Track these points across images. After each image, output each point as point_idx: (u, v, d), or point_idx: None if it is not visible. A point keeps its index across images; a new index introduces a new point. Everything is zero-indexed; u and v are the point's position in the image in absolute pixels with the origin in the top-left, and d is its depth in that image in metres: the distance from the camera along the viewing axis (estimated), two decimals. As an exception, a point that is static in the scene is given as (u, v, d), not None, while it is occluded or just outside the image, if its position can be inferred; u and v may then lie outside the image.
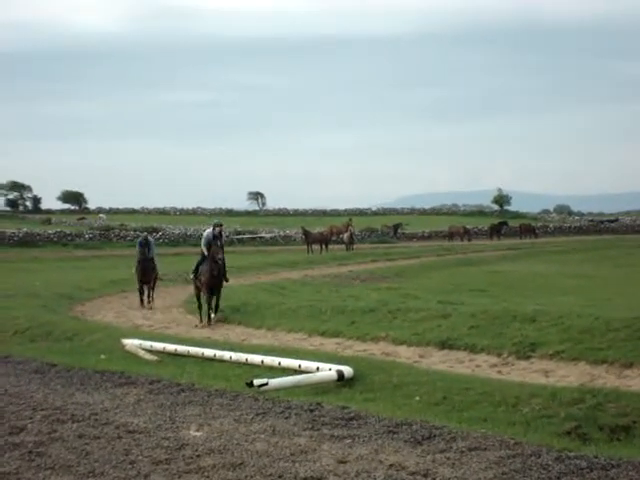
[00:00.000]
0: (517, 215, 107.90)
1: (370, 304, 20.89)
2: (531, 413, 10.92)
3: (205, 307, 22.93)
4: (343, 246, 60.87)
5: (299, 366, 14.10)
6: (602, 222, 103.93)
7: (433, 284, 29.37)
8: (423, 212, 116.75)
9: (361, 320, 19.42)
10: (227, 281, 23.58)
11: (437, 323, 17.92)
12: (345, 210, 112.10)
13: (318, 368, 13.74)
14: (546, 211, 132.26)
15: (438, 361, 15.63)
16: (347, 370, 13.43)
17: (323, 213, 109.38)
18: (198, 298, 23.47)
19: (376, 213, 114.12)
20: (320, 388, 13.03)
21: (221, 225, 24.10)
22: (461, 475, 7.92)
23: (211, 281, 22.95)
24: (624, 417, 10.37)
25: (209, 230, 23.85)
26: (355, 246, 61.28)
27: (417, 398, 12.20)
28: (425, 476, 7.91)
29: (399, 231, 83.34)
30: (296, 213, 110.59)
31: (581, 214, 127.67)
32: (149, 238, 29.65)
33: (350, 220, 66.60)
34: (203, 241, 23.74)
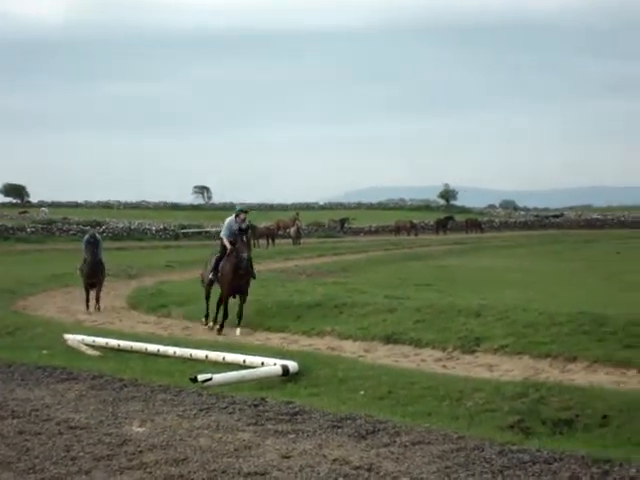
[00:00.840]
0: (463, 210, 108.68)
1: (316, 299, 20.84)
2: (475, 407, 10.96)
3: (219, 310, 20.16)
4: (290, 240, 60.85)
5: (244, 361, 14.04)
6: (547, 217, 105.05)
7: (379, 278, 29.42)
8: (370, 207, 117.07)
9: (307, 315, 19.39)
10: (254, 278, 20.49)
11: (383, 317, 17.92)
12: (292, 204, 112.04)
13: (263, 363, 13.70)
14: (492, 206, 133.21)
15: (383, 355, 15.64)
16: (292, 365, 13.40)
17: (270, 207, 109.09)
18: (207, 297, 20.88)
19: (323, 207, 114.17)
20: (265, 383, 13.00)
21: (246, 212, 20.81)
22: (405, 469, 7.92)
23: (235, 281, 19.85)
24: (567, 411, 10.44)
25: (231, 218, 20.61)
26: (302, 241, 61.28)
27: (362, 392, 12.20)
28: (369, 470, 7.91)
29: (346, 225, 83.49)
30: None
31: (527, 209, 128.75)
32: (97, 236, 26.89)
33: (297, 214, 66.55)
34: (224, 231, 20.71)
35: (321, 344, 17.05)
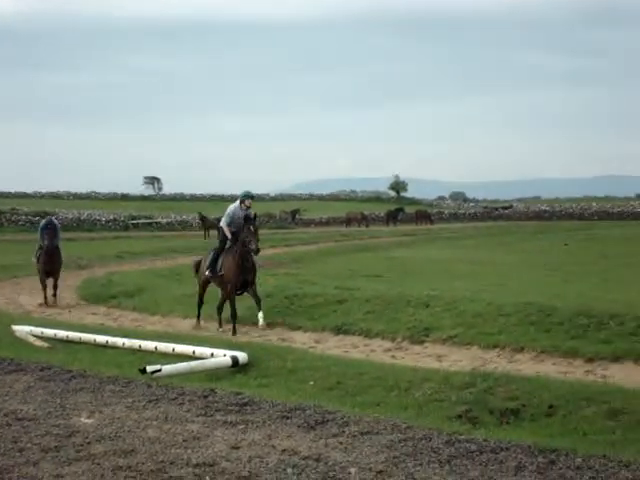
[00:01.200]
0: (413, 201, 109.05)
1: (267, 290, 20.76)
2: (423, 397, 11.04)
3: (220, 312, 18.37)
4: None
5: (193, 352, 14.04)
6: (496, 209, 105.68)
7: (330, 270, 29.42)
8: (321, 198, 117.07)
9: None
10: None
11: (333, 308, 17.97)
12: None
13: (212, 354, 13.70)
14: (442, 198, 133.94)
15: (333, 346, 15.70)
16: (242, 356, 13.41)
17: (220, 198, 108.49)
18: (201, 298, 18.84)
19: (274, 199, 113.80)
20: (214, 374, 12.99)
21: (252, 198, 18.62)
22: (353, 459, 7.97)
23: (241, 277, 17.81)
24: (514, 401, 10.54)
25: (235, 205, 18.28)
26: (253, 232, 61.04)
27: (311, 383, 12.24)
28: (317, 460, 7.95)
29: (297, 217, 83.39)
30: (193, 198, 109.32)
31: (476, 201, 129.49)
32: (55, 221, 25.25)
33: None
34: (226, 219, 18.26)
35: (272, 335, 17.06)
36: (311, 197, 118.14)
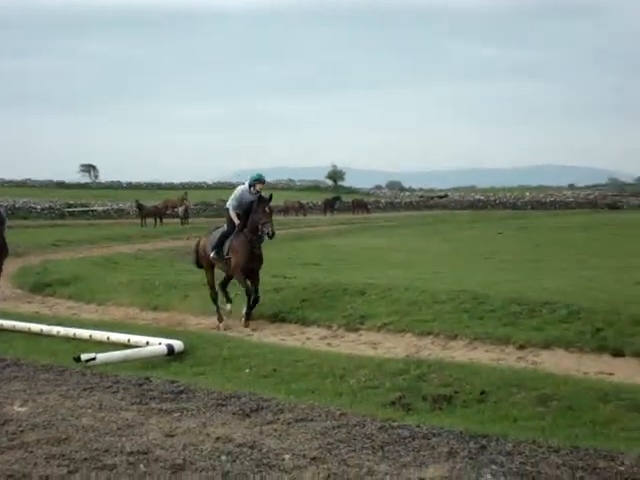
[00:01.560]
0: (350, 191, 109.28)
1: (204, 278, 20.78)
2: (357, 384, 11.14)
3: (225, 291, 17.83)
4: (178, 220, 60.42)
5: (128, 340, 14.00)
6: (432, 198, 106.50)
7: (267, 258, 29.40)
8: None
9: (194, 294, 19.34)
10: (261, 261, 17.33)
11: (270, 297, 17.98)
12: (180, 184, 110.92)
13: (148, 342, 13.69)
14: (379, 187, 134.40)
15: (270, 334, 15.75)
16: (177, 344, 13.42)
17: (158, 186, 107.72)
18: (212, 285, 17.86)
19: (212, 187, 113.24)
20: (150, 362, 12.99)
21: (263, 182, 17.34)
22: (287, 446, 8.02)
23: (250, 262, 16.95)
24: (446, 387, 10.68)
25: (243, 187, 17.35)
26: (190, 220, 60.93)
27: (247, 371, 12.30)
28: (252, 448, 7.97)
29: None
30: (130, 186, 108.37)
31: (412, 190, 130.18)
32: (2, 212, 22.73)
33: (185, 194, 66.08)
34: (232, 202, 17.32)
35: (208, 323, 17.07)
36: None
